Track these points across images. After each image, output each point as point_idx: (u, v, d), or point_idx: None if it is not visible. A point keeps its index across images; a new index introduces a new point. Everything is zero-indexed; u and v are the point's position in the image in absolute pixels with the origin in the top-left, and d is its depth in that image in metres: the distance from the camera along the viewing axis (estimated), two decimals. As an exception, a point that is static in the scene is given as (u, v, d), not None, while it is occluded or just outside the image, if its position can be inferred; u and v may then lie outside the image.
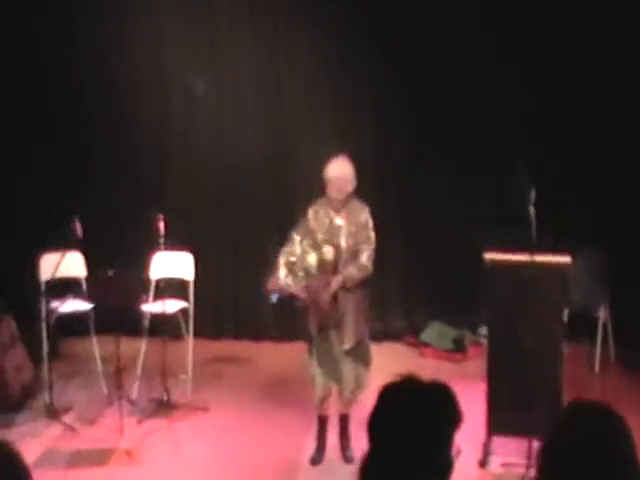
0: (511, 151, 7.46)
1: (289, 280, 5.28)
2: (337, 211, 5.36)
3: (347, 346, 5.29)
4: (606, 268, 7.09)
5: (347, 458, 5.40)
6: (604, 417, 2.03)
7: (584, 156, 7.38)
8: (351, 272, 5.25)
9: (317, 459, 5.46)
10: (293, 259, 5.32)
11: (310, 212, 5.43)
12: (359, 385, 5.36)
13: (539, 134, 7.50)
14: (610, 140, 7.27)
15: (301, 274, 5.29)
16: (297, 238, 5.36)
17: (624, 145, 7.17)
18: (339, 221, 5.34)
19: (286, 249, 5.38)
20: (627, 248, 7.08)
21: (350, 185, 5.36)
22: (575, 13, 7.27)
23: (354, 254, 5.29)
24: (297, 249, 5.34)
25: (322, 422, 5.52)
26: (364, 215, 5.38)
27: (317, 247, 5.28)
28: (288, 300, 5.47)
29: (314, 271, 5.28)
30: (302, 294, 5.32)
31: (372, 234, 5.37)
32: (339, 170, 5.33)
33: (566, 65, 7.40)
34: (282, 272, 5.30)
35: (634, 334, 6.94)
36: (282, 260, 5.34)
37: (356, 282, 5.29)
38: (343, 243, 5.29)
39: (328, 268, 5.27)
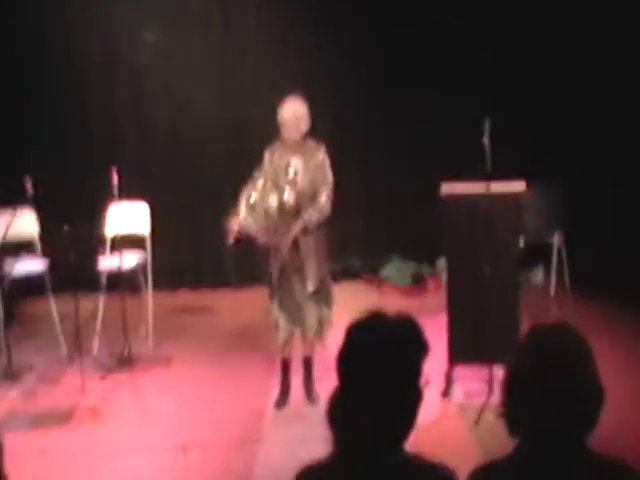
0: (470, 83, 7.54)
1: (250, 219, 5.21)
2: (293, 152, 5.29)
3: (310, 289, 5.28)
4: (560, 196, 7.14)
5: (312, 400, 5.41)
6: (564, 338, 2.04)
7: (539, 89, 7.41)
8: (310, 214, 5.22)
9: (281, 403, 5.47)
10: (253, 199, 5.23)
11: (266, 155, 5.37)
12: (323, 326, 5.36)
13: (498, 68, 7.51)
14: (566, 74, 7.31)
15: (261, 214, 5.21)
16: (259, 179, 5.29)
17: (579, 81, 7.19)
18: (294, 163, 5.28)
19: (248, 189, 5.30)
20: (580, 177, 7.14)
21: (304, 124, 5.28)
22: None
23: (312, 195, 5.24)
24: (258, 189, 5.26)
25: (285, 365, 5.52)
26: (320, 155, 5.31)
27: (279, 189, 5.21)
28: (246, 241, 5.39)
29: (274, 212, 5.21)
30: (262, 237, 5.27)
31: (329, 173, 5.30)
32: (292, 110, 5.25)
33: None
34: (243, 212, 5.23)
35: (588, 260, 7.03)
36: (244, 200, 5.26)
37: (316, 224, 5.26)
38: (300, 183, 5.23)
39: (289, 210, 5.22)
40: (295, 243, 5.25)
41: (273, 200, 5.20)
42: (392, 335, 2.04)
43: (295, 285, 5.30)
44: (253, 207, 5.22)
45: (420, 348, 2.06)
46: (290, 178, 5.23)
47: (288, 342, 5.46)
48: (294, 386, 5.51)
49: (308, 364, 5.49)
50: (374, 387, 1.98)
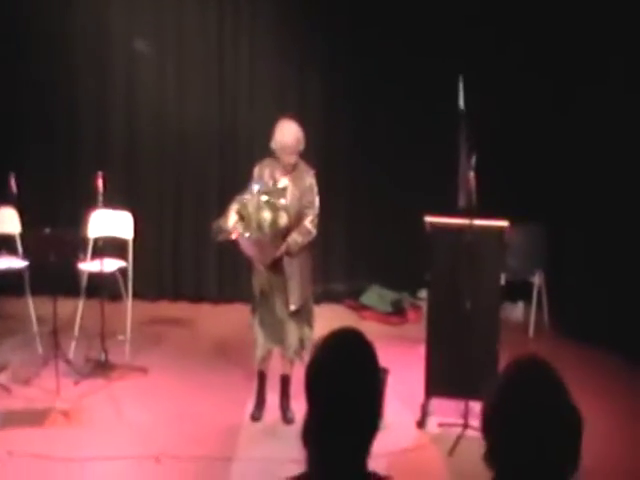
0: (453, 123, 7.60)
1: (239, 227, 5.21)
2: (284, 172, 5.33)
3: (292, 307, 5.32)
4: (542, 236, 7.23)
5: (287, 419, 5.42)
6: (541, 371, 2.08)
7: (525, 132, 7.48)
8: (295, 238, 5.27)
9: (257, 415, 5.49)
10: (248, 211, 5.23)
11: (256, 170, 5.41)
12: (303, 346, 5.39)
13: (483, 108, 7.57)
14: (552, 120, 7.39)
15: (254, 225, 5.22)
16: (255, 191, 5.27)
17: (564, 125, 7.29)
18: (284, 182, 5.32)
19: (241, 198, 5.29)
20: (563, 220, 7.21)
21: (301, 146, 5.34)
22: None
23: (298, 217, 5.28)
24: (253, 201, 5.23)
25: (261, 378, 5.56)
26: (309, 179, 5.37)
27: (272, 209, 5.24)
28: (229, 242, 5.40)
29: (267, 229, 5.23)
30: (249, 248, 5.28)
31: (316, 198, 5.38)
32: (293, 135, 5.28)
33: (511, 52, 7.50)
34: (232, 218, 5.23)
35: (567, 301, 7.10)
36: (235, 207, 5.26)
37: (300, 246, 5.31)
38: (287, 205, 5.27)
39: (281, 230, 5.24)
40: (279, 263, 5.28)
41: (267, 216, 5.22)
42: (350, 355, 2.09)
43: (277, 303, 5.34)
44: (248, 218, 5.22)
45: (368, 348, 2.10)
46: (286, 204, 5.25)
47: (265, 358, 5.50)
48: (270, 403, 5.53)
49: (285, 383, 5.50)
50: (335, 405, 2.02)
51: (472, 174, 5.10)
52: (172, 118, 7.95)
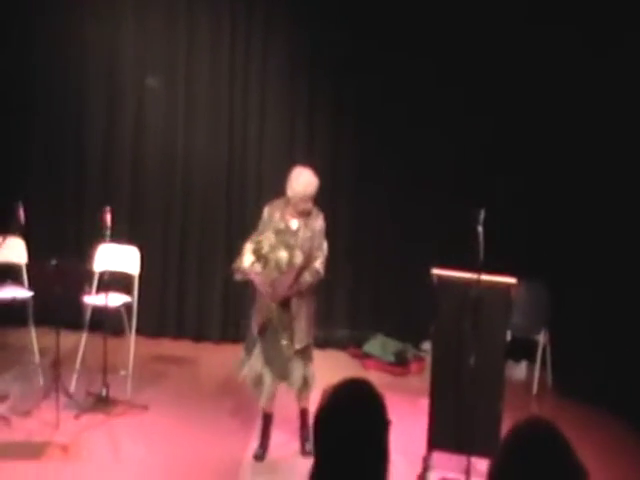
0: (459, 175, 7.67)
1: (257, 267, 5.29)
2: (294, 215, 5.39)
3: (298, 346, 5.39)
4: (547, 295, 7.24)
5: (305, 451, 5.48)
6: (547, 432, 2.09)
7: (533, 192, 7.53)
8: (306, 278, 5.34)
9: (260, 455, 5.53)
10: (265, 250, 5.30)
11: (266, 211, 5.47)
12: (307, 384, 5.45)
13: (488, 163, 7.65)
14: (554, 178, 7.43)
15: (272, 265, 5.29)
16: (267, 232, 5.35)
17: (568, 184, 7.32)
18: (294, 225, 5.37)
19: (256, 238, 5.38)
20: (568, 278, 7.22)
21: (315, 193, 5.40)
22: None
23: (308, 259, 5.34)
24: (270, 240, 5.32)
25: (267, 419, 5.60)
26: (320, 222, 5.46)
27: (289, 248, 5.31)
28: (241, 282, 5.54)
29: (284, 267, 5.31)
30: (264, 287, 5.34)
31: (325, 242, 5.46)
32: (309, 185, 5.34)
33: (516, 97, 7.56)
34: (249, 258, 5.31)
35: (571, 360, 7.07)
36: (250, 247, 5.33)
37: (309, 287, 5.39)
38: (298, 247, 5.33)
39: (295, 270, 5.30)
40: (288, 301, 5.35)
41: (284, 255, 5.30)
42: (360, 407, 2.11)
43: (282, 341, 5.39)
44: (265, 257, 5.28)
45: (384, 420, 2.12)
46: (304, 246, 5.32)
47: (272, 397, 5.54)
48: (272, 441, 5.54)
49: (304, 415, 5.54)
50: (342, 456, 2.05)
51: (480, 229, 5.12)
52: (180, 155, 8.00)
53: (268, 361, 5.43)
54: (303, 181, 5.33)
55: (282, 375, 5.45)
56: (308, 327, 5.44)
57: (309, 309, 5.47)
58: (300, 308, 5.39)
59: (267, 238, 5.30)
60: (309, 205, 5.39)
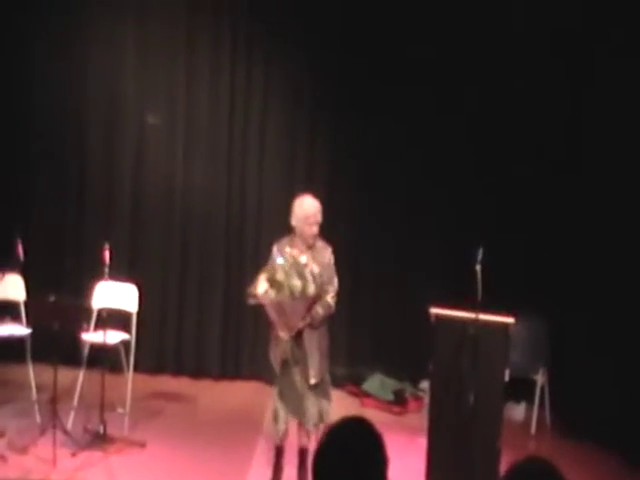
0: (459, 213, 7.71)
1: (271, 294, 5.30)
2: (302, 250, 5.42)
3: (313, 381, 5.39)
4: (545, 334, 7.24)
5: None
6: (545, 471, 2.10)
7: (531, 229, 7.57)
8: (318, 311, 5.37)
9: None
10: (280, 277, 5.31)
11: (274, 249, 5.51)
12: (322, 419, 5.43)
13: (487, 200, 7.69)
14: (553, 215, 7.49)
15: (287, 292, 5.31)
16: (279, 263, 5.38)
17: (566, 224, 7.39)
18: (303, 259, 5.41)
19: (269, 266, 5.40)
20: (566, 316, 7.23)
21: (320, 217, 5.47)
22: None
23: (319, 292, 5.38)
24: (285, 268, 5.34)
25: (279, 453, 5.61)
26: (328, 255, 5.52)
27: (302, 277, 5.34)
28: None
29: (298, 295, 5.33)
30: (276, 317, 5.36)
31: (335, 276, 5.51)
32: (312, 206, 5.44)
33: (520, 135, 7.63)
34: (262, 287, 5.32)
35: (570, 400, 7.06)
36: (265, 275, 5.34)
37: (321, 320, 5.42)
38: (310, 280, 5.36)
39: (308, 301, 5.33)
40: (300, 335, 5.38)
41: (297, 284, 5.32)
42: (359, 446, 2.13)
43: (296, 376, 5.41)
44: (280, 284, 5.29)
45: (383, 458, 2.13)
46: (315, 279, 5.36)
47: (286, 432, 5.55)
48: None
49: (303, 455, 5.53)
50: None
51: (479, 267, 5.14)
52: (179, 191, 8.04)
53: (282, 397, 5.46)
54: (306, 205, 5.44)
55: (296, 411, 5.46)
56: (321, 362, 5.45)
57: (322, 344, 5.48)
58: (312, 342, 5.40)
59: (281, 266, 5.33)
60: (315, 229, 5.43)
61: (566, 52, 7.42)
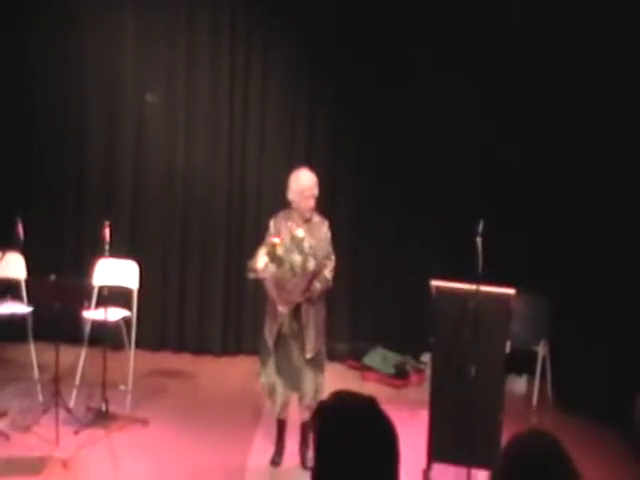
0: (461, 186, 7.68)
1: (271, 269, 5.29)
2: (299, 224, 5.41)
3: (309, 355, 5.41)
4: (547, 306, 7.24)
5: (306, 465, 5.49)
6: (543, 447, 2.09)
7: (534, 205, 7.54)
8: (316, 286, 5.39)
9: (277, 461, 5.60)
10: (280, 252, 5.29)
11: (271, 224, 5.51)
12: (318, 392, 5.44)
13: (487, 175, 7.66)
14: (554, 189, 7.47)
15: (287, 267, 5.30)
16: (277, 241, 5.36)
17: (568, 195, 7.36)
18: (300, 233, 5.39)
19: (269, 241, 5.38)
20: (568, 289, 7.22)
21: (317, 190, 5.45)
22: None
23: (319, 266, 5.38)
24: (286, 243, 5.33)
25: (281, 426, 5.64)
26: (324, 229, 5.52)
27: (302, 252, 5.33)
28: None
29: (298, 270, 5.32)
30: (274, 291, 5.37)
31: (331, 249, 5.51)
32: (308, 179, 5.43)
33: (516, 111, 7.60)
34: (262, 261, 5.30)
35: (571, 371, 7.07)
36: (264, 249, 5.33)
37: (319, 295, 5.44)
38: (310, 254, 5.36)
39: (307, 276, 5.34)
40: (298, 309, 5.39)
41: (298, 259, 5.32)
42: (360, 420, 2.08)
43: (293, 351, 5.44)
44: (280, 259, 5.27)
45: (387, 428, 2.09)
46: (313, 253, 5.35)
47: (285, 405, 5.58)
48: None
49: (305, 429, 5.54)
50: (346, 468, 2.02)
51: (479, 240, 5.13)
52: (179, 169, 8.02)
53: (280, 371, 5.47)
54: (302, 178, 5.42)
55: (293, 385, 5.48)
56: (318, 336, 5.47)
57: (319, 318, 5.50)
58: (310, 317, 5.42)
59: (280, 242, 5.31)
60: (311, 202, 5.41)
61: (566, 52, 7.36)
